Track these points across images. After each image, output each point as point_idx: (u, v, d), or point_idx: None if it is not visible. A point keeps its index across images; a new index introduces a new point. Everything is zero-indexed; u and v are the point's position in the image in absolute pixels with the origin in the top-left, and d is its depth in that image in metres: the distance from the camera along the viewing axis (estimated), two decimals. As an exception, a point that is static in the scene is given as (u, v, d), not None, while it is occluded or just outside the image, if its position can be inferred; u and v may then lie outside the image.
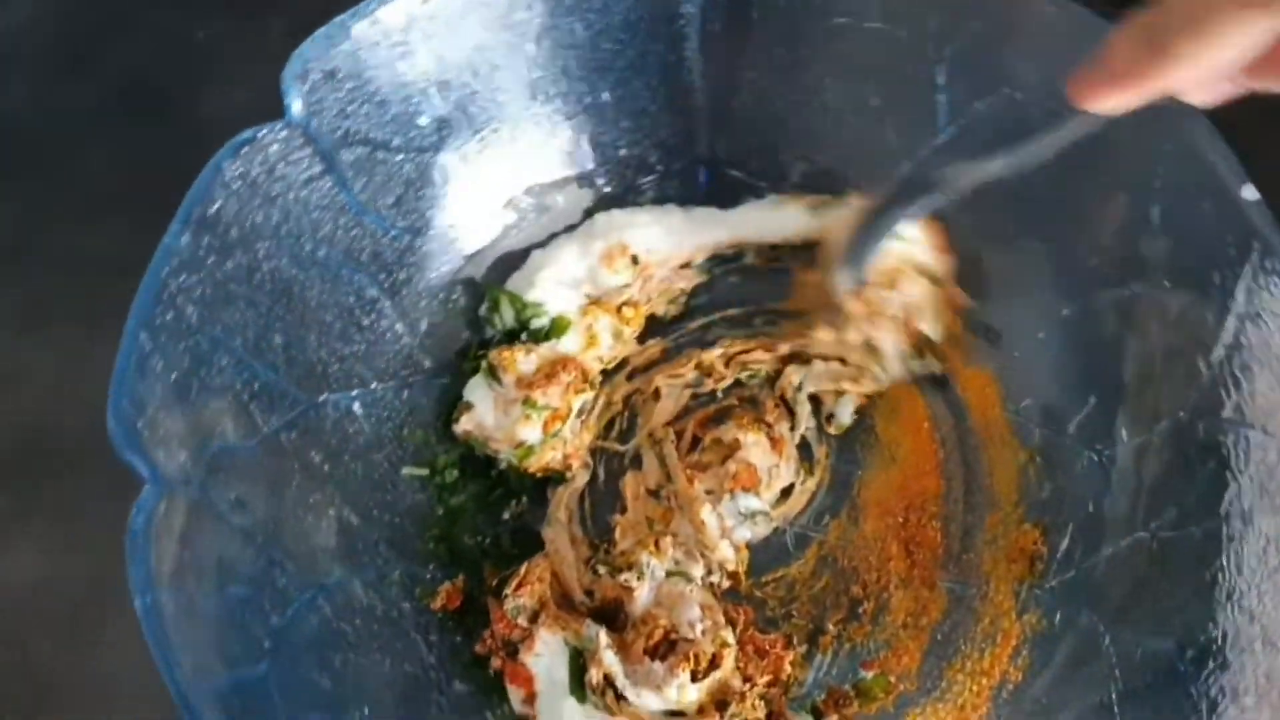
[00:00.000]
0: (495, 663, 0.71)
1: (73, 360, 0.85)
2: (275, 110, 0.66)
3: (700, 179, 0.82)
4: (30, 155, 0.95)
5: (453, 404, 0.78)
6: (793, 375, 0.80)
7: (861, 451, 0.79)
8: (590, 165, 0.80)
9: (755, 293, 0.83)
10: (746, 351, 0.81)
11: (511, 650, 0.70)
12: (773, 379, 0.81)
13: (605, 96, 0.78)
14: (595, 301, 0.78)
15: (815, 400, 0.80)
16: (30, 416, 0.85)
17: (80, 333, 0.84)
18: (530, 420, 0.75)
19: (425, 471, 0.76)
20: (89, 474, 0.77)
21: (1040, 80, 0.71)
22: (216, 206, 0.67)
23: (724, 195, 0.82)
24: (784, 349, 0.81)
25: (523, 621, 0.71)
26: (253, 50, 0.93)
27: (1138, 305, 0.69)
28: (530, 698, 0.69)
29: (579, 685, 0.69)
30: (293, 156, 0.70)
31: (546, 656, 0.70)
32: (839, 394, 0.79)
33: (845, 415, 0.79)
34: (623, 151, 0.81)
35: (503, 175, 0.79)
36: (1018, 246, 0.76)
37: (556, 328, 0.77)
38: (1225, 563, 0.62)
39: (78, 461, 0.80)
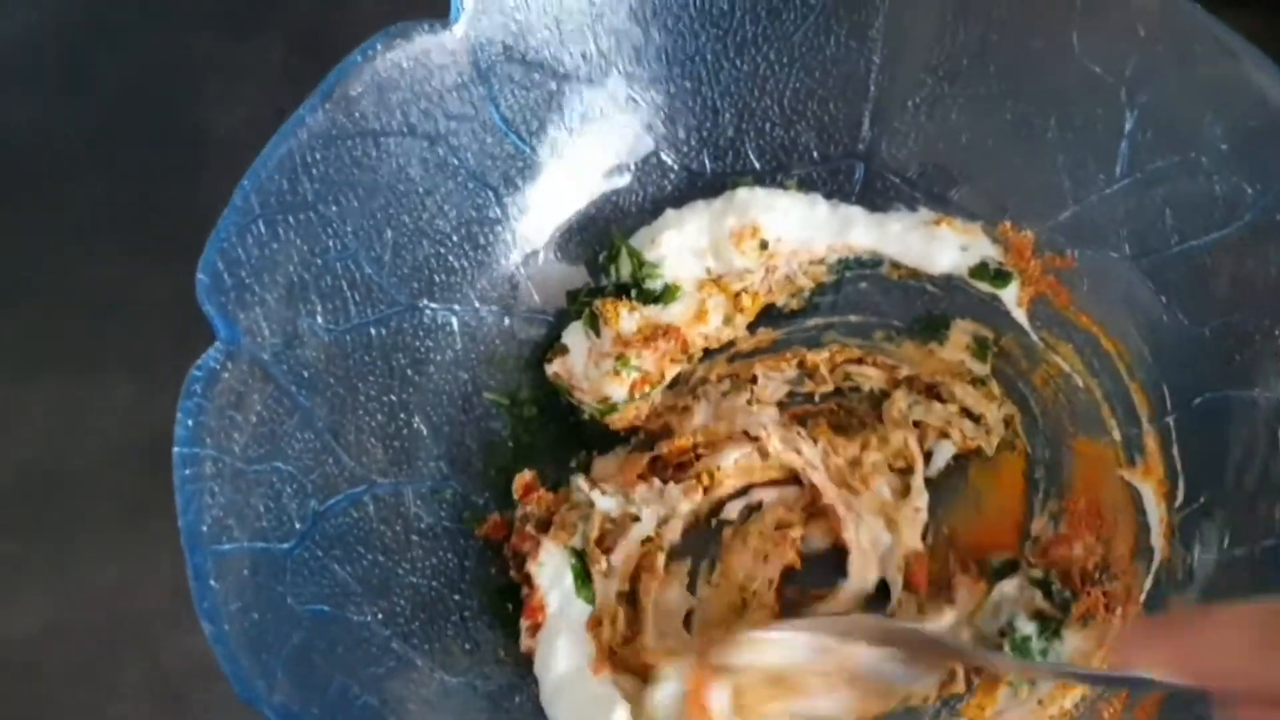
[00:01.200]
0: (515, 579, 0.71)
1: (70, 403, 0.82)
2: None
3: (855, 176, 0.79)
4: (25, 178, 0.89)
5: (550, 342, 0.77)
6: (901, 400, 0.76)
7: (945, 488, 0.76)
8: (741, 136, 0.78)
9: (882, 305, 0.79)
10: (857, 361, 0.77)
11: (520, 562, 0.69)
12: (877, 398, 0.77)
13: (773, 68, 0.75)
14: (715, 280, 0.76)
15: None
16: (30, 454, 0.81)
17: (80, 371, 0.82)
18: (619, 378, 0.73)
19: (506, 401, 0.75)
20: (103, 522, 0.77)
21: (1231, 153, 0.66)
22: (359, 90, 0.67)
23: (876, 198, 0.79)
24: (901, 371, 0.77)
25: (531, 530, 0.70)
26: (252, 67, 0.91)
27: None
28: (535, 628, 0.69)
29: (584, 583, 0.69)
30: (448, 59, 0.69)
31: (550, 566, 0.69)
32: (942, 434, 0.75)
33: (941, 458, 0.75)
34: (778, 130, 0.78)
35: (649, 125, 0.77)
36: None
37: (668, 293, 0.75)
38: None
39: (85, 505, 0.79)
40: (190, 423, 0.58)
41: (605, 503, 0.71)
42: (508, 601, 0.72)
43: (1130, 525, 0.71)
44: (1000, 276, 0.76)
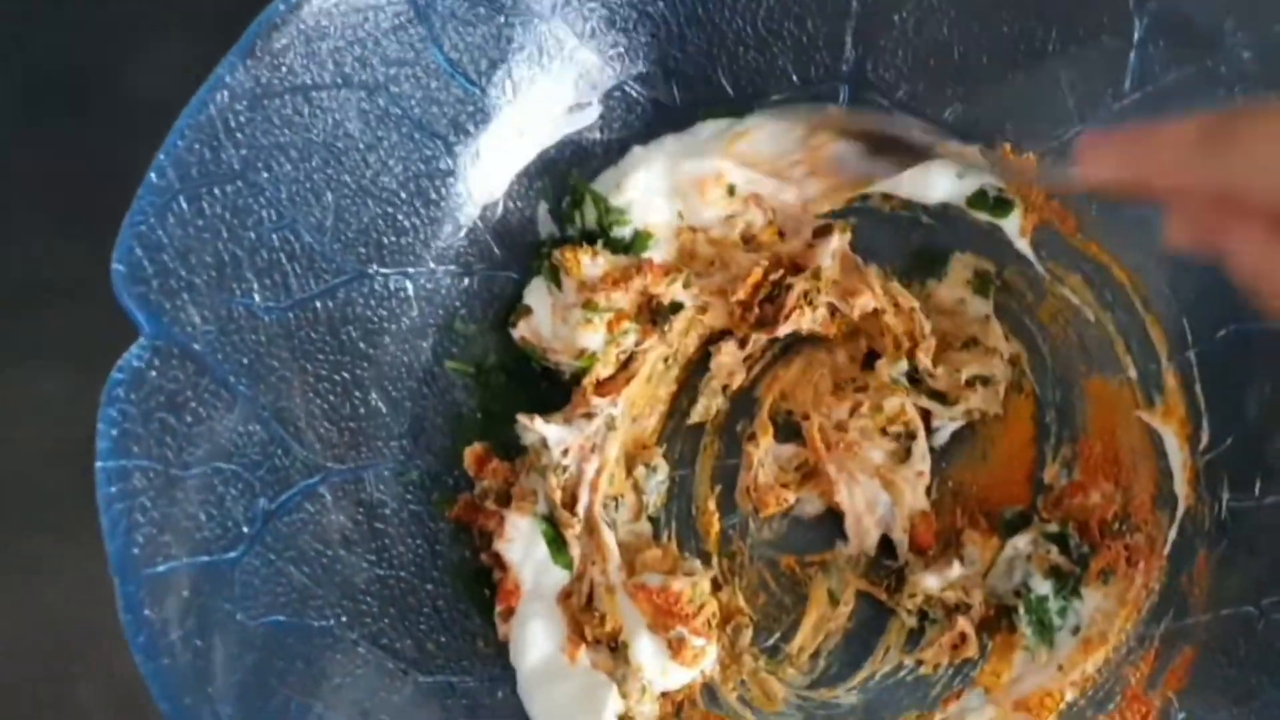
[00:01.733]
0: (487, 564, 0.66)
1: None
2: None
3: (840, 100, 0.72)
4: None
5: (515, 301, 0.70)
6: (887, 367, 0.70)
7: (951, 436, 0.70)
8: (712, 63, 0.71)
9: (874, 241, 0.73)
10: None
11: (487, 543, 0.66)
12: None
13: (746, -14, 0.68)
14: (691, 227, 0.70)
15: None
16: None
17: (4, 365, 0.76)
18: (591, 325, 0.67)
19: (471, 369, 0.70)
20: (43, 529, 0.72)
21: (1255, 62, 0.59)
22: (284, 42, 0.60)
23: (863, 122, 0.72)
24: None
25: (492, 505, 0.65)
26: (179, 26, 0.81)
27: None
28: (507, 613, 0.65)
29: (559, 550, 0.65)
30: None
31: (519, 541, 0.65)
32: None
33: (946, 432, 0.70)
34: (752, 54, 0.71)
35: (610, 57, 0.70)
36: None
37: (639, 241, 0.69)
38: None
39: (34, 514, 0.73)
40: (114, 433, 0.52)
41: (556, 433, 0.66)
42: (485, 586, 0.67)
43: (1150, 471, 0.66)
44: (1001, 205, 0.70)
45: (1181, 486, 0.65)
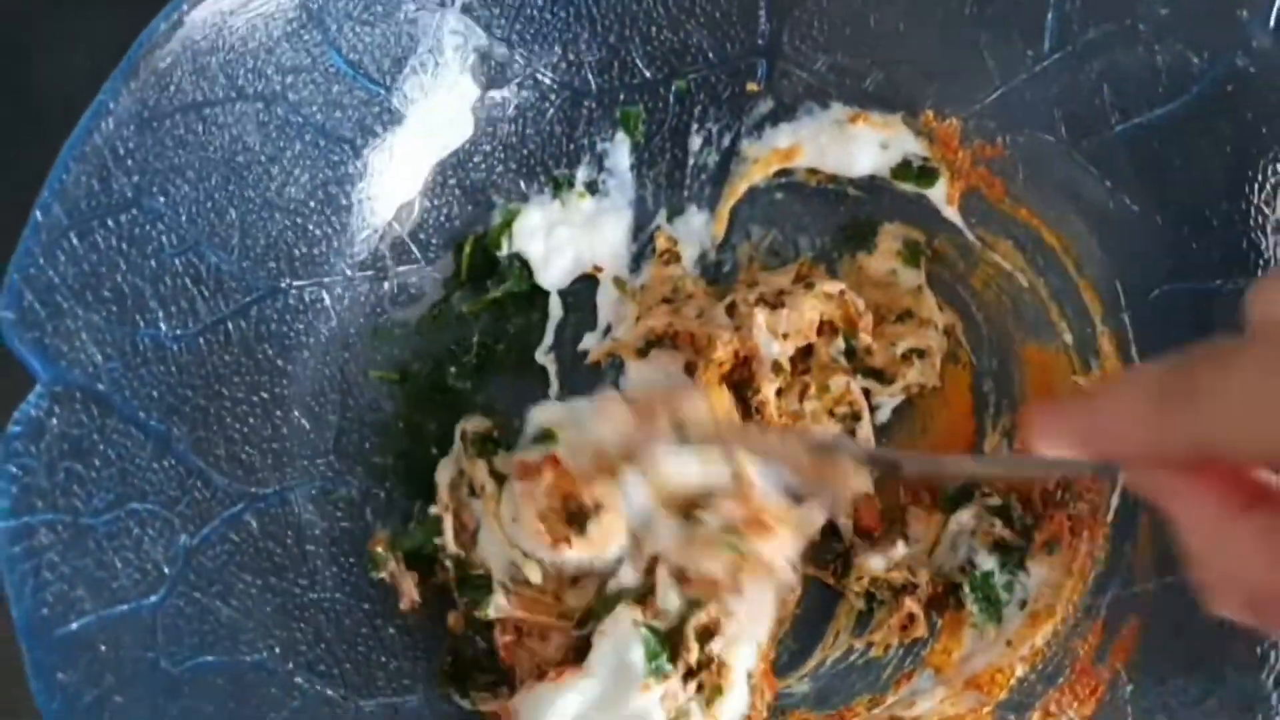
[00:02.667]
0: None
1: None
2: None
3: (759, 74, 0.70)
4: None
5: (441, 302, 0.69)
6: (825, 347, 0.69)
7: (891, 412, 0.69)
8: (625, 45, 0.69)
9: (802, 216, 0.71)
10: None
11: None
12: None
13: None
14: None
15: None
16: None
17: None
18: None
19: (396, 377, 0.68)
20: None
21: (1173, 16, 0.58)
22: (169, 61, 0.58)
23: (784, 98, 0.70)
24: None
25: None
26: (86, 4, 0.78)
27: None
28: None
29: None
30: (270, 4, 0.60)
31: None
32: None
33: (888, 409, 0.69)
34: (666, 33, 0.69)
35: (518, 45, 0.68)
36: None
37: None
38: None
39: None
40: (14, 490, 0.51)
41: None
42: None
43: (1091, 438, 0.65)
44: (925, 175, 0.69)
45: (1121, 453, 0.64)
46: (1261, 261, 0.59)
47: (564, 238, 0.71)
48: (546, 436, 0.62)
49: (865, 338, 0.68)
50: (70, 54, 0.78)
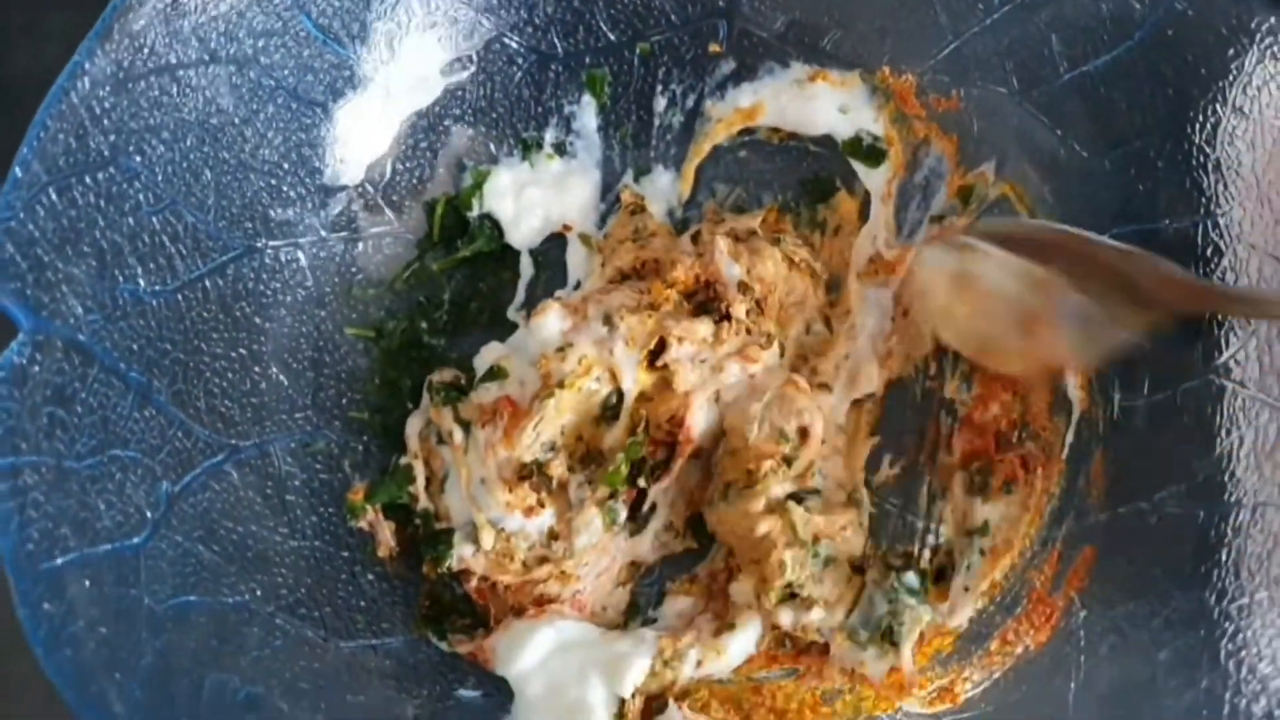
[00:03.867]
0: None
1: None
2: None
3: (720, 35, 0.72)
4: None
5: (414, 261, 0.71)
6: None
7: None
8: (590, 7, 0.71)
9: (765, 172, 0.73)
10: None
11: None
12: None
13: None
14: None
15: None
16: None
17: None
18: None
19: (372, 333, 0.70)
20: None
21: (1110, -36, 0.60)
22: (143, 23, 0.59)
23: (746, 58, 0.72)
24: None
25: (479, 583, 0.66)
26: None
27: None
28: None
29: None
30: (241, -31, 0.62)
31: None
32: None
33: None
34: (628, -6, 0.70)
35: (485, 10, 0.70)
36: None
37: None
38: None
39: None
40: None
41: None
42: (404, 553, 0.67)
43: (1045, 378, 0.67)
44: (873, 155, 0.71)
45: (1075, 391, 0.66)
46: (1204, 200, 0.60)
47: (534, 198, 0.73)
48: (497, 374, 0.64)
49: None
50: (45, 41, 0.80)
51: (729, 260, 0.66)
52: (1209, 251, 0.60)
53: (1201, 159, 0.61)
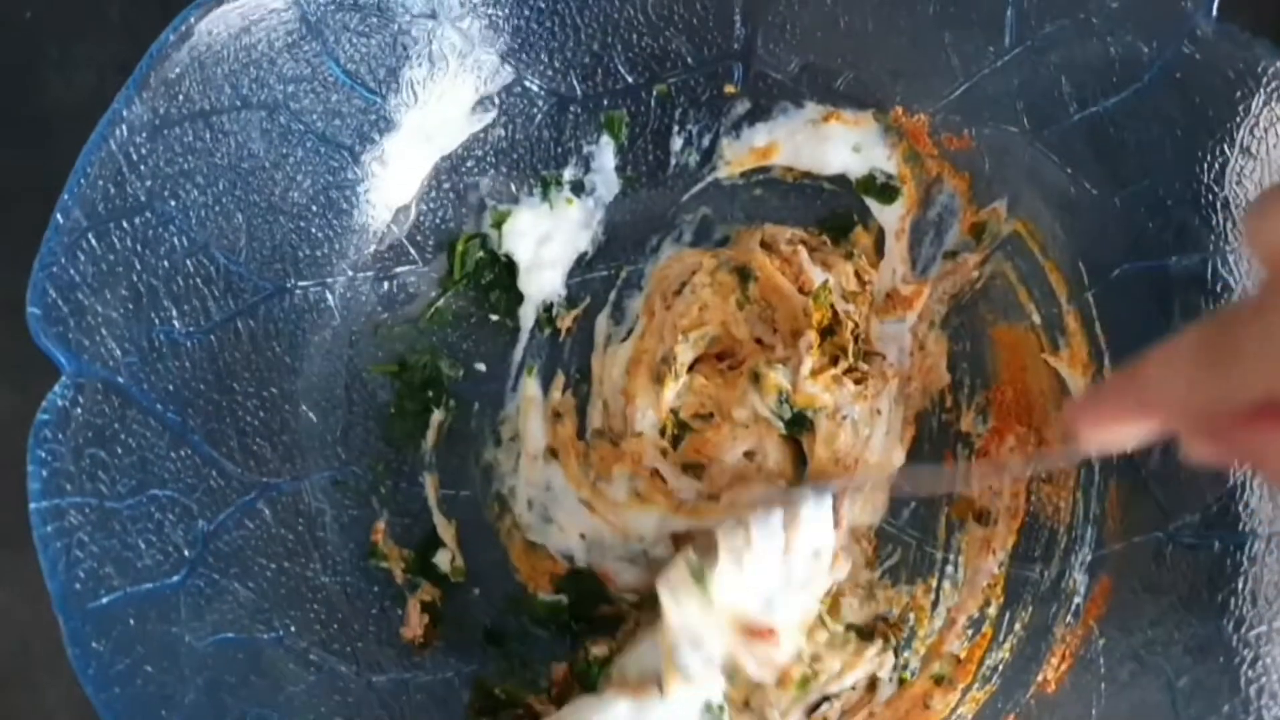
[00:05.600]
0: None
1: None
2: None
3: (735, 77, 0.73)
4: None
5: (437, 300, 0.72)
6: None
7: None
8: (608, 51, 0.72)
9: (781, 210, 0.75)
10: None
11: None
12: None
13: (633, -27, 0.70)
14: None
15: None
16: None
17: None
18: None
19: (395, 368, 0.71)
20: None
21: (1123, 9, 0.62)
22: (178, 71, 0.61)
23: (760, 99, 0.74)
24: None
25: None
26: (92, 27, 0.80)
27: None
28: None
29: None
30: (272, 18, 0.63)
31: None
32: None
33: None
34: (646, 39, 0.72)
35: (506, 55, 0.71)
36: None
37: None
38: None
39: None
40: (44, 474, 0.53)
41: None
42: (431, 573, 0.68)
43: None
44: (886, 192, 0.72)
45: (1089, 423, 0.67)
46: (1212, 237, 0.62)
47: (551, 236, 0.74)
48: None
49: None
50: (75, 70, 0.81)
51: (810, 263, 0.68)
52: (1218, 287, 0.62)
53: (1210, 198, 0.62)
